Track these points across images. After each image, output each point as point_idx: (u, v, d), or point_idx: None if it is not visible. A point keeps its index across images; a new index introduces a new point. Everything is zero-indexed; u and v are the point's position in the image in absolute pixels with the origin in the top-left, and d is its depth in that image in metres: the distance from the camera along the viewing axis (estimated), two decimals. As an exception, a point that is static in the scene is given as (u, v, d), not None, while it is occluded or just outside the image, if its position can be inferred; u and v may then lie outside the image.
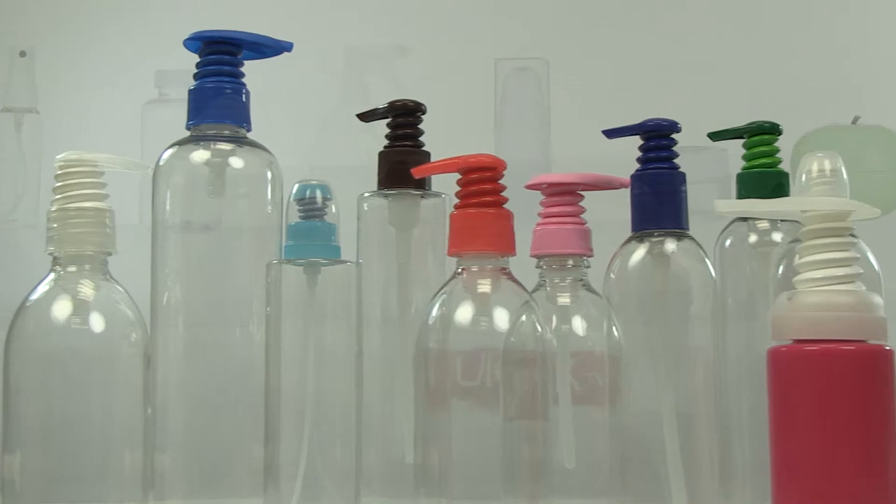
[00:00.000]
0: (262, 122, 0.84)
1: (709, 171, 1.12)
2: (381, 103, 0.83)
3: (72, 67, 1.23)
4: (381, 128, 0.86)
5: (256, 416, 0.76)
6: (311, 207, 0.79)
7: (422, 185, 0.80)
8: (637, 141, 0.83)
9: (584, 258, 0.79)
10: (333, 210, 0.81)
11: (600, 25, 1.24)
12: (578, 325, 0.78)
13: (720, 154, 1.08)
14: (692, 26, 1.23)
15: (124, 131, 1.17)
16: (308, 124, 1.19)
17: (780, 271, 0.79)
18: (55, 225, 0.73)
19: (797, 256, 0.66)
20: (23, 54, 1.18)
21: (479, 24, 1.26)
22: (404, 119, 0.81)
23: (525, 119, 1.16)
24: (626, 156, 1.05)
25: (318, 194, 0.80)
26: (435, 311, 0.73)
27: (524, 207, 0.76)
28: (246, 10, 1.21)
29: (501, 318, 0.72)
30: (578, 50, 1.22)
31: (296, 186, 0.80)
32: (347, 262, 0.80)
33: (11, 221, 1.16)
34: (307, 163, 1.03)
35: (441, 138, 0.86)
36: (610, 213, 0.84)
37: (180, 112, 1.03)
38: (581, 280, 0.79)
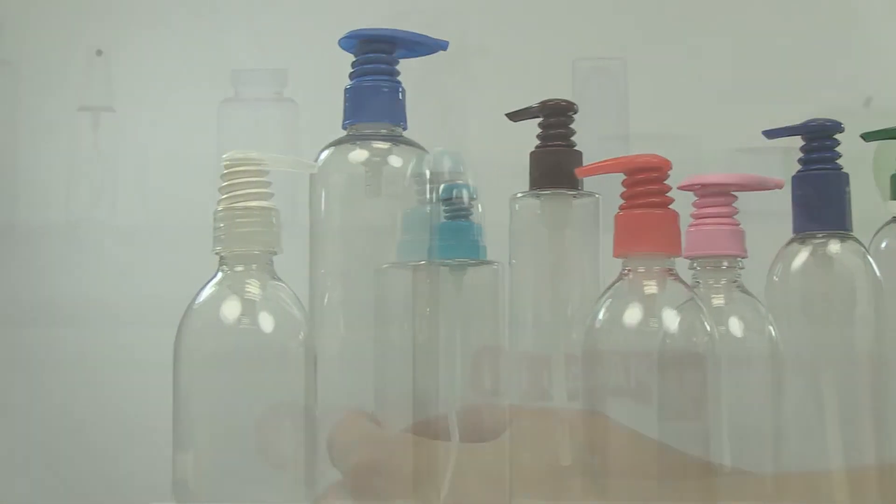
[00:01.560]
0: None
1: (771, 172, 1.12)
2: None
3: (148, 66, 1.21)
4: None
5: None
6: (458, 207, 0.79)
7: (575, 184, 0.80)
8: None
9: (739, 259, 0.79)
10: (479, 210, 0.80)
11: (679, 25, 1.24)
12: (734, 326, 0.78)
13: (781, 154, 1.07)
14: (772, 25, 1.23)
15: (200, 130, 1.16)
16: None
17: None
18: (222, 224, 0.72)
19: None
20: (99, 53, 1.17)
21: (556, 24, 1.25)
22: (556, 119, 0.81)
23: (603, 120, 1.16)
24: (706, 158, 1.06)
25: (465, 194, 0.80)
26: (602, 314, 0.72)
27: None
28: (320, 9, 1.20)
29: (670, 319, 0.72)
30: (657, 50, 1.22)
31: (441, 186, 0.79)
32: (494, 262, 0.79)
33: (88, 220, 1.14)
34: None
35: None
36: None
37: (256, 111, 1.02)
38: (735, 281, 0.79)
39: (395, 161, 0.78)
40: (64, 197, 1.12)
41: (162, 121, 1.19)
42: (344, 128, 0.79)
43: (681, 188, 0.79)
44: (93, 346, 1.10)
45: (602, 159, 0.98)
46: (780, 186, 0.80)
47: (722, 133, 1.04)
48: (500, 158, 0.84)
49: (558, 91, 1.17)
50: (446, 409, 0.77)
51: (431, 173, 0.77)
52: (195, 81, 1.21)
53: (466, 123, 1.15)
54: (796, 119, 0.84)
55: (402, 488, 0.73)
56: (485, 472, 0.76)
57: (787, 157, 1.08)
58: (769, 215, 0.82)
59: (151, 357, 0.98)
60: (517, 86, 1.17)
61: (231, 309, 0.71)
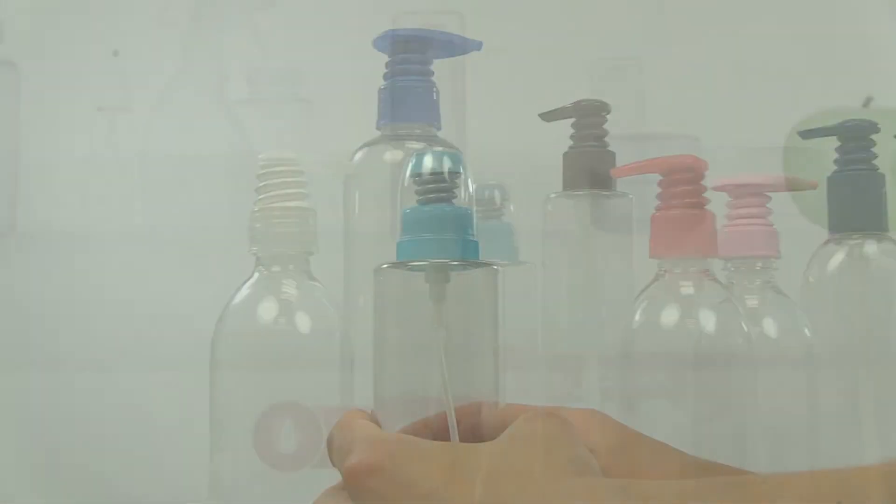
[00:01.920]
0: (366, 126, 0.83)
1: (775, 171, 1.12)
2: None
3: (164, 66, 1.20)
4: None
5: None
6: (489, 208, 0.78)
7: (608, 185, 0.80)
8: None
9: (773, 260, 0.79)
10: (511, 210, 0.80)
11: (695, 26, 1.24)
12: (768, 327, 0.78)
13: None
14: (773, 26, 1.23)
15: (216, 130, 1.15)
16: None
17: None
18: (258, 224, 0.71)
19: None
20: (116, 53, 1.16)
21: (573, 24, 1.25)
22: (589, 119, 0.80)
23: (619, 119, 1.15)
24: (723, 158, 1.06)
25: (497, 195, 0.80)
26: (638, 315, 0.72)
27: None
28: (333, 9, 1.19)
29: (706, 320, 0.72)
30: (673, 50, 1.22)
31: (473, 187, 0.79)
32: (526, 263, 0.79)
33: (104, 222, 1.14)
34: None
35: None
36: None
37: (272, 111, 1.02)
38: (769, 282, 0.79)
39: (429, 161, 0.78)
40: (76, 198, 1.12)
41: (178, 121, 1.19)
42: (378, 128, 0.79)
43: (714, 189, 0.79)
44: (102, 346, 1.10)
45: (619, 160, 0.98)
46: (813, 187, 0.80)
47: (723, 134, 1.04)
48: (522, 158, 0.84)
49: (575, 90, 1.18)
50: (445, 409, 0.76)
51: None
52: (211, 81, 1.20)
53: (470, 123, 1.14)
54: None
55: (402, 490, 0.73)
56: (519, 472, 0.75)
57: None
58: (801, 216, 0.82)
59: (164, 358, 0.98)
60: (533, 86, 1.17)
61: (268, 310, 0.71)
